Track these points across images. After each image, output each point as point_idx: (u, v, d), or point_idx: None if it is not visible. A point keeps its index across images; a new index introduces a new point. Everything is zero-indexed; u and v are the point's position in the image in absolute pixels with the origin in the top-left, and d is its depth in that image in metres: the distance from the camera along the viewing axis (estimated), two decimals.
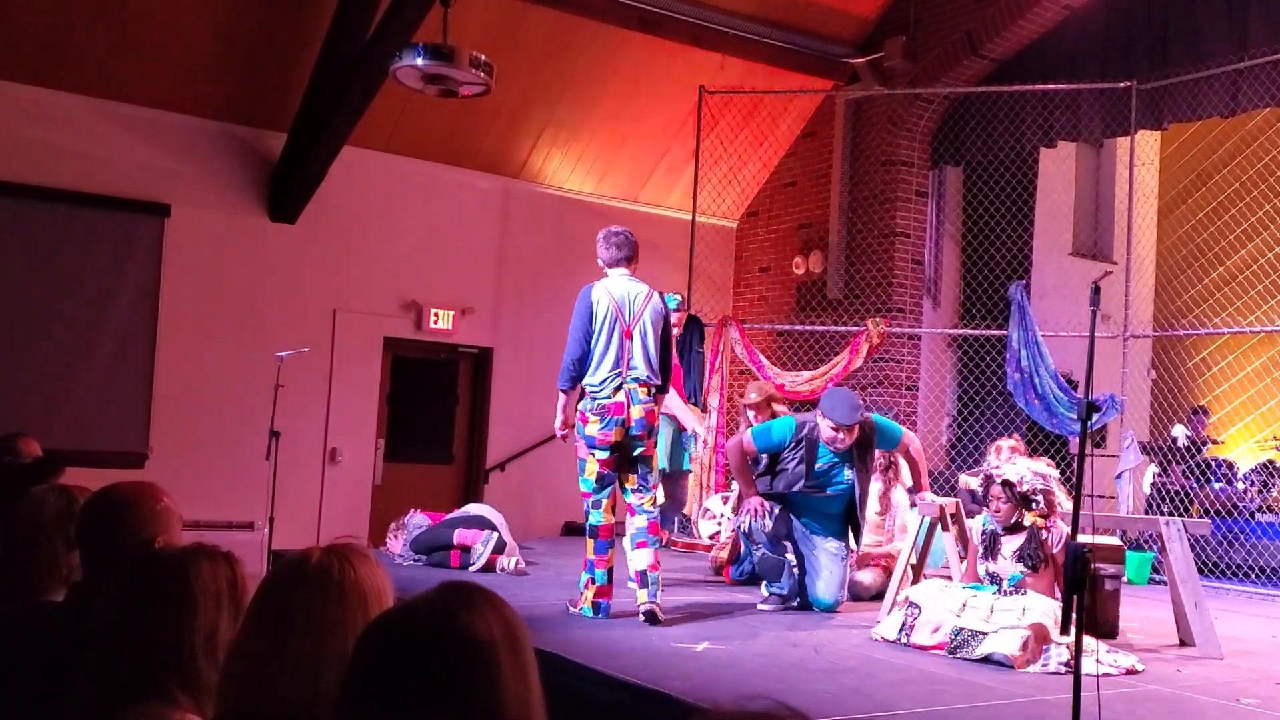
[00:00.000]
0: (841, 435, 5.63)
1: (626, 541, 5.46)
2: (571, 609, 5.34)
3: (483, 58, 7.22)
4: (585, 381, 5.28)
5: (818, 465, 5.77)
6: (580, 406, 5.35)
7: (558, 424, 5.47)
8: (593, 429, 5.24)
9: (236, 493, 8.35)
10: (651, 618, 5.12)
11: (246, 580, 1.93)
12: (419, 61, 7.06)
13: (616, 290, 5.33)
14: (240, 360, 8.61)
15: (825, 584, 5.85)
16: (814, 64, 10.15)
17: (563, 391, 5.38)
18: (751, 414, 7.12)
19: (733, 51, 9.78)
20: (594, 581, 5.24)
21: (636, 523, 5.31)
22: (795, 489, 5.82)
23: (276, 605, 1.62)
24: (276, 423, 7.36)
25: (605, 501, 5.29)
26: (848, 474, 5.82)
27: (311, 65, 8.40)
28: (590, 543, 5.26)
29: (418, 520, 7.27)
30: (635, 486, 5.33)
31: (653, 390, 5.32)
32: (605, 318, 5.25)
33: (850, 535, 5.97)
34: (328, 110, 8.15)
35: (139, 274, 8.42)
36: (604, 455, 5.23)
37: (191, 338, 8.57)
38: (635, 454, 5.29)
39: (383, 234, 9.48)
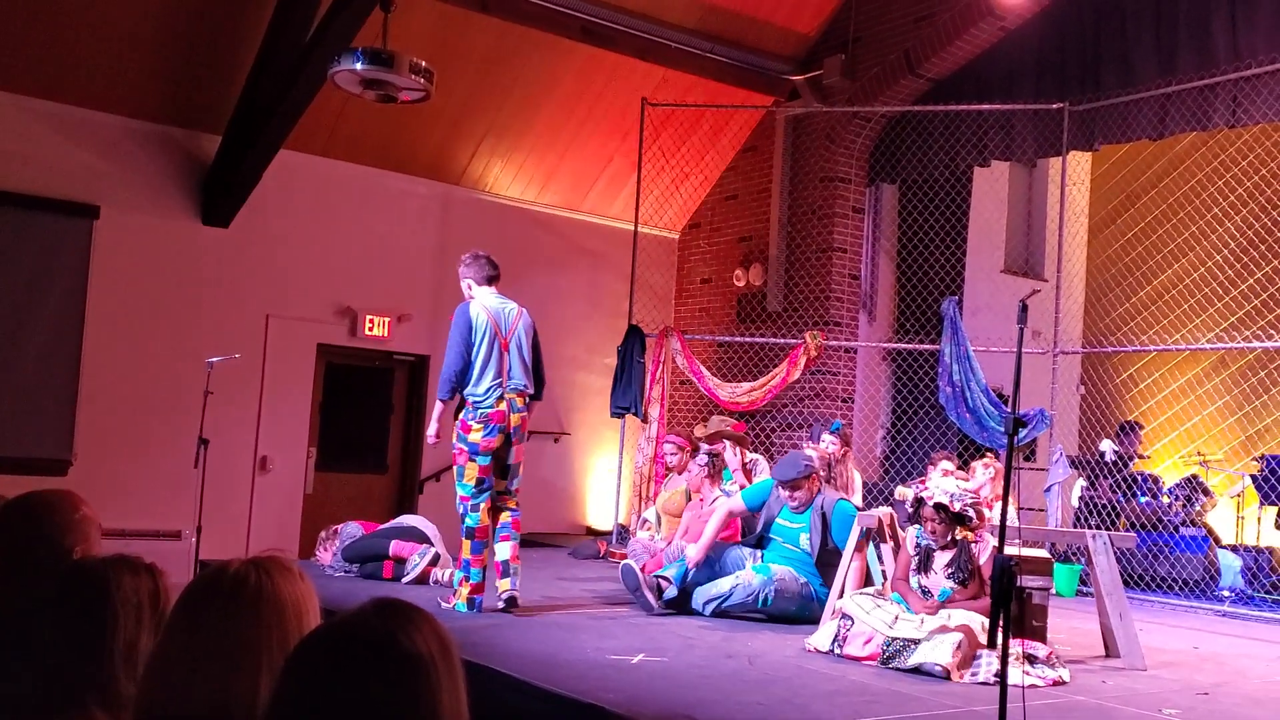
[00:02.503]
0: (785, 492, 5.98)
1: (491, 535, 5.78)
2: (444, 605, 5.64)
3: (423, 64, 7.18)
4: (468, 391, 5.63)
5: (779, 518, 6.07)
6: (462, 415, 5.66)
7: (431, 431, 5.79)
8: (476, 436, 5.60)
9: (164, 501, 8.16)
10: (511, 603, 5.61)
11: (170, 592, 1.88)
12: (358, 66, 7.00)
13: (491, 306, 5.71)
14: (169, 366, 8.42)
15: (723, 583, 5.89)
16: (755, 80, 10.24)
17: (442, 401, 5.72)
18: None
19: (676, 65, 9.82)
20: (469, 579, 5.63)
21: (502, 518, 5.72)
22: (763, 528, 6.16)
23: (190, 615, 1.58)
24: (206, 430, 7.23)
25: (483, 505, 5.66)
26: (804, 540, 5.97)
27: (248, 67, 8.27)
28: (467, 543, 5.64)
29: (351, 529, 7.17)
30: (504, 489, 5.74)
31: (528, 399, 5.74)
32: (484, 332, 5.62)
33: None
34: (264, 113, 8.03)
35: (66, 276, 8.20)
36: (485, 462, 5.60)
37: (119, 342, 8.36)
38: (508, 460, 5.71)
39: (318, 239, 9.34)
